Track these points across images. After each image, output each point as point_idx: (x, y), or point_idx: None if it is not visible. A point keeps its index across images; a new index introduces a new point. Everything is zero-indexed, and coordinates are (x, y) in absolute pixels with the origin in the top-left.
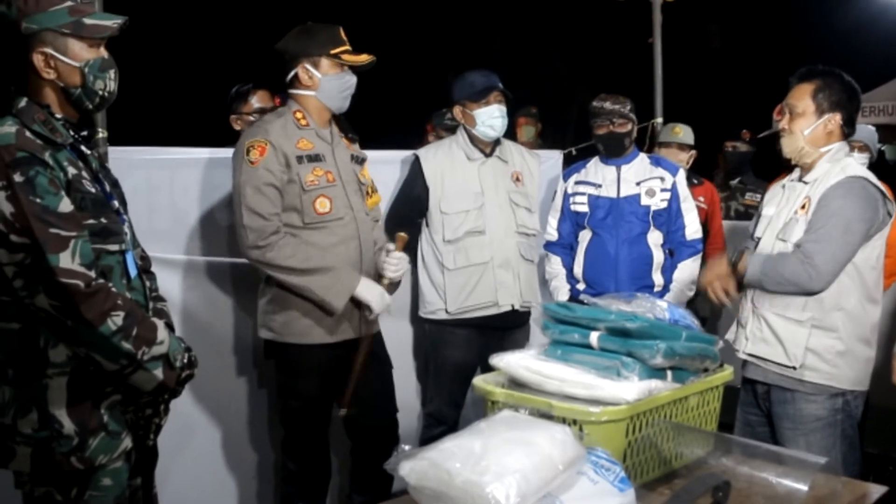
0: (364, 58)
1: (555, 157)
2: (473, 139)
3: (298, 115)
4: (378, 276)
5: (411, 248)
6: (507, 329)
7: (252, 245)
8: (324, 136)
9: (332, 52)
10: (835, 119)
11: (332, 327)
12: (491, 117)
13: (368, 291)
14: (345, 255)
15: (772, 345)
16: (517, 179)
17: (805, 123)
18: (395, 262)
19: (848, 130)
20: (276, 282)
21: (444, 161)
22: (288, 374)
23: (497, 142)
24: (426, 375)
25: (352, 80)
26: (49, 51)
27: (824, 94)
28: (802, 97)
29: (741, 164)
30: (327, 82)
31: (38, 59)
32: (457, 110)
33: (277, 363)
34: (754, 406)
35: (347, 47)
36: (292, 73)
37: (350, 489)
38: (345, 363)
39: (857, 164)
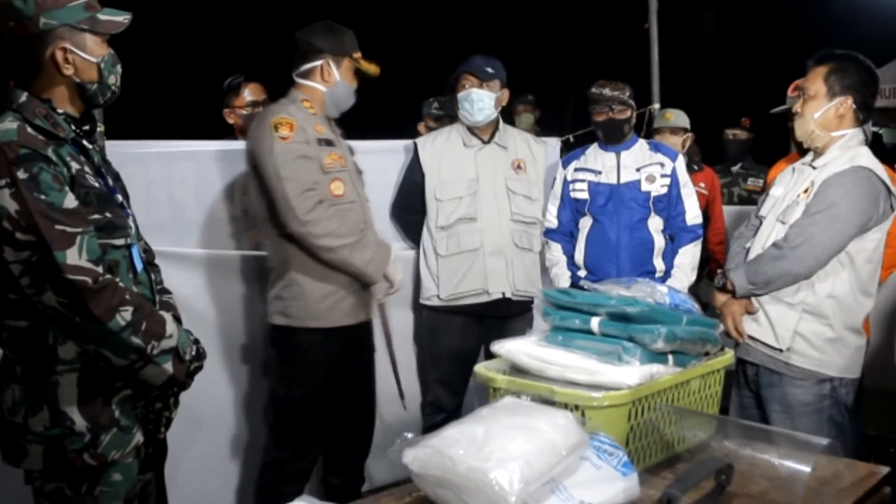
0: (376, 68)
1: (552, 145)
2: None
3: (306, 104)
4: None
5: (416, 236)
6: (505, 318)
7: (299, 218)
8: (329, 124)
9: (355, 55)
10: (846, 103)
11: (349, 310)
12: (466, 100)
13: (394, 265)
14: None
15: (762, 325)
16: (518, 167)
17: (816, 106)
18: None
19: (863, 115)
20: (293, 267)
21: (441, 148)
22: (296, 361)
23: (497, 128)
24: (424, 364)
25: (353, 98)
26: (68, 46)
27: (837, 76)
28: (815, 80)
29: (741, 151)
30: (341, 86)
31: (59, 55)
32: (455, 98)
33: (284, 351)
34: (746, 388)
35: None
36: (314, 65)
37: (325, 471)
38: (350, 351)
39: (868, 155)
